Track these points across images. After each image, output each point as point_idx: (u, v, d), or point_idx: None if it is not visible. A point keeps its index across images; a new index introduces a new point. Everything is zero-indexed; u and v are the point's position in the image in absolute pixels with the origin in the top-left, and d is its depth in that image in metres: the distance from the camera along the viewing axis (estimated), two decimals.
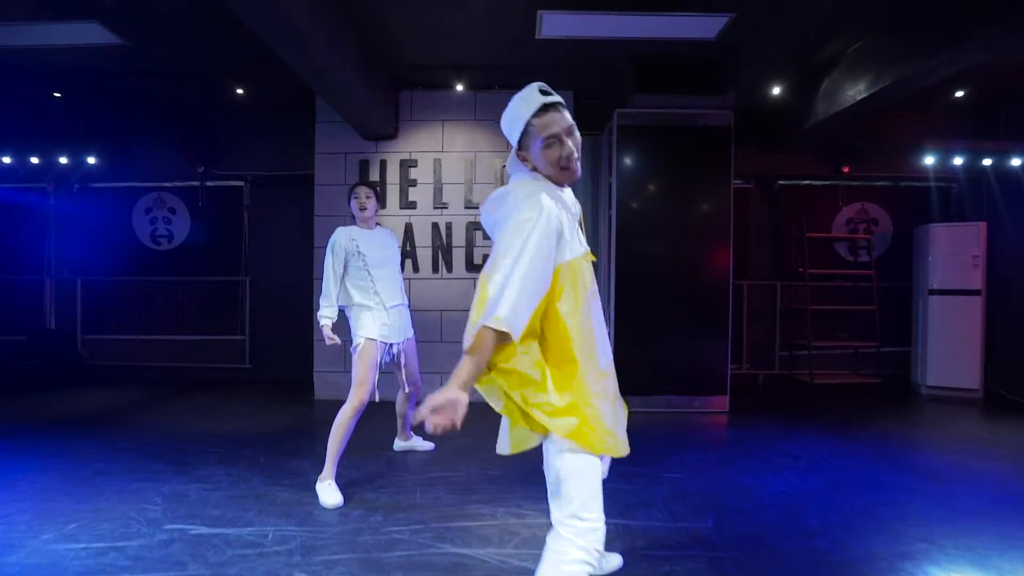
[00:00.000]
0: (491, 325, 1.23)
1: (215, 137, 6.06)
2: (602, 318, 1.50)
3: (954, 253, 5.41)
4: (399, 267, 3.26)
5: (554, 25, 4.05)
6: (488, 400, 1.44)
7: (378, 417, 3.93)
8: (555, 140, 1.41)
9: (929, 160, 5.67)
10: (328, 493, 2.74)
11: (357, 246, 3.03)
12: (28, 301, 6.24)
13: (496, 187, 5.16)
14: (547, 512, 1.46)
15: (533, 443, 1.43)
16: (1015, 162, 5.41)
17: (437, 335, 5.13)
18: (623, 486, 2.91)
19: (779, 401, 5.32)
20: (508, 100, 1.49)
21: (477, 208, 5.16)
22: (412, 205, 5.19)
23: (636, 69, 4.62)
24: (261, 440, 3.83)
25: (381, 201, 4.91)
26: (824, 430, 4.21)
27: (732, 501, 2.85)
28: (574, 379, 1.37)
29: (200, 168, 6.01)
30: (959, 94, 5.26)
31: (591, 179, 5.49)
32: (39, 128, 5.97)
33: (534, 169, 1.47)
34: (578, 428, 1.36)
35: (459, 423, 1.21)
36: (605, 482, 1.67)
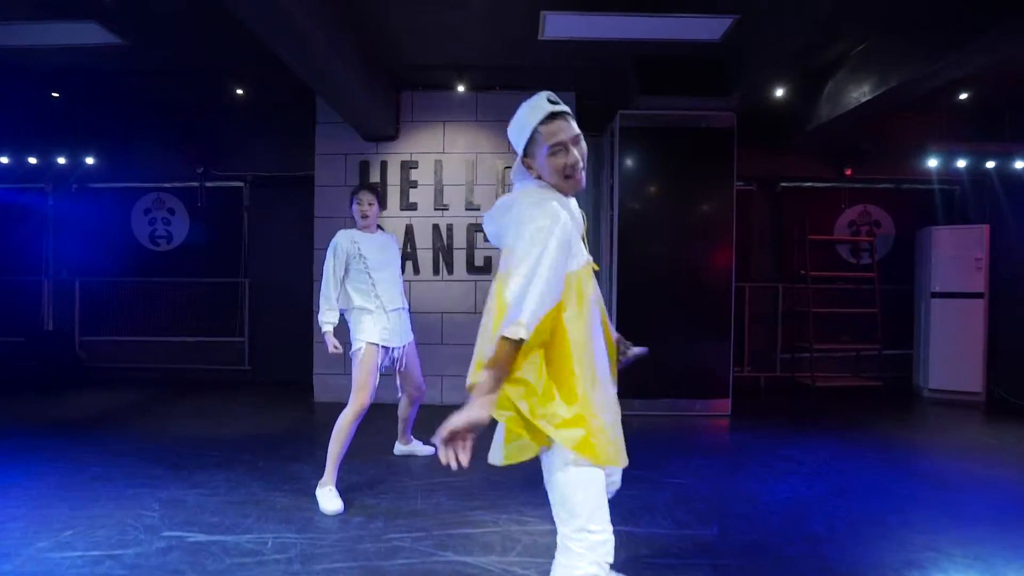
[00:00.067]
0: (512, 335, 1.23)
1: (215, 137, 6.03)
2: (601, 330, 1.48)
3: (957, 256, 5.38)
4: (400, 270, 3.23)
5: (557, 26, 4.02)
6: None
7: (378, 421, 3.90)
8: (561, 148, 1.40)
9: (932, 162, 5.65)
10: (328, 499, 2.71)
11: (359, 249, 3.01)
12: (26, 302, 6.20)
13: (497, 189, 5.14)
14: (549, 518, 1.44)
15: (529, 455, 1.40)
16: (1019, 165, 5.40)
17: (438, 337, 5.11)
18: (626, 492, 2.84)
19: (781, 404, 5.30)
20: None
21: (478, 210, 5.13)
22: (413, 206, 5.16)
23: (640, 70, 4.59)
24: (260, 444, 3.80)
25: (382, 203, 4.88)
26: (827, 434, 4.19)
27: (736, 507, 2.83)
28: (579, 390, 1.35)
29: (199, 169, 5.98)
30: (963, 96, 5.24)
31: (592, 180, 5.46)
32: (37, 128, 5.94)
33: (539, 177, 1.46)
34: (584, 439, 1.33)
35: (466, 460, 1.23)
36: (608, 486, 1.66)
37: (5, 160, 5.93)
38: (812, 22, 3.49)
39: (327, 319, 2.95)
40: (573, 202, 1.49)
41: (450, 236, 5.15)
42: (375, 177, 5.16)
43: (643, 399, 4.60)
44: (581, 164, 1.42)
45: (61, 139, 5.93)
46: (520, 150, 1.47)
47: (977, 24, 3.31)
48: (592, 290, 1.46)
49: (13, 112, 5.76)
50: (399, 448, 3.60)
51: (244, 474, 3.19)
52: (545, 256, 1.27)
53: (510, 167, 4.94)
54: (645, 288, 4.73)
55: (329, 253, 3.00)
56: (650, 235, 4.78)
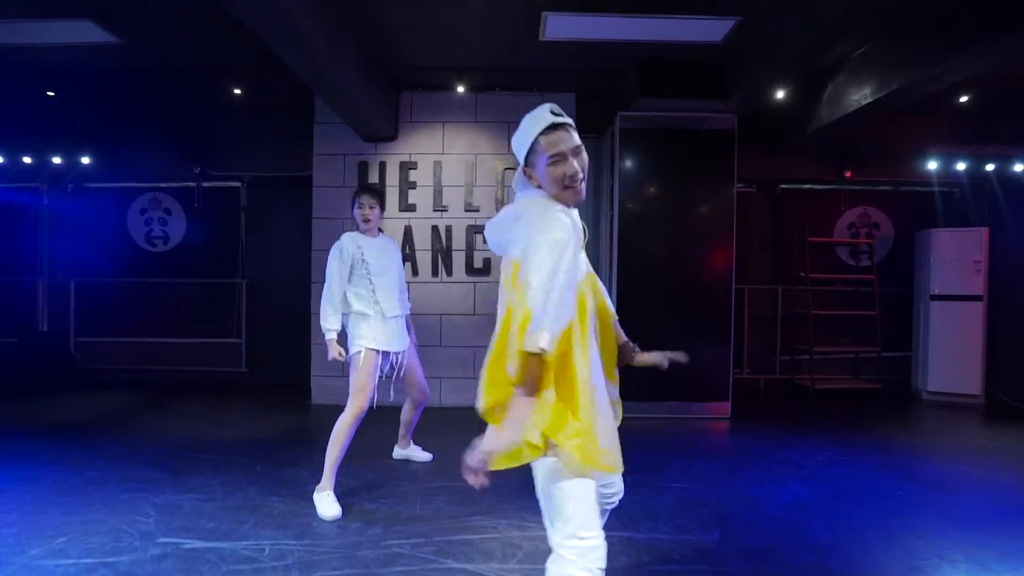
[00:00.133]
0: (534, 350, 1.23)
1: (212, 137, 5.99)
2: (596, 338, 1.50)
3: (956, 258, 5.39)
4: (401, 275, 3.16)
5: (558, 27, 4.00)
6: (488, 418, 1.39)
7: (377, 424, 3.86)
8: (561, 158, 1.41)
9: (932, 165, 5.65)
10: (326, 505, 2.68)
11: (362, 254, 2.95)
12: (20, 302, 6.15)
13: (496, 190, 5.11)
14: None
15: (521, 461, 1.39)
16: (1018, 167, 5.40)
17: (437, 339, 5.08)
18: (627, 497, 2.81)
19: (780, 406, 5.29)
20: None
21: (477, 211, 5.11)
22: (412, 208, 5.13)
23: (640, 72, 4.58)
24: (257, 447, 3.76)
25: (384, 206, 4.86)
26: (826, 437, 4.17)
27: (738, 512, 2.81)
28: (578, 398, 1.36)
29: (196, 169, 5.94)
30: (963, 99, 5.24)
31: (592, 181, 5.44)
32: (32, 127, 5.88)
33: (539, 187, 1.47)
34: (580, 446, 1.33)
35: (487, 482, 1.26)
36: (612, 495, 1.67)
37: (0, 159, 5.87)
38: (814, 25, 3.48)
39: (331, 325, 2.86)
40: (575, 213, 1.50)
41: (449, 237, 5.13)
42: (374, 178, 5.12)
43: (643, 402, 4.58)
44: (581, 175, 1.43)
45: (57, 138, 5.87)
46: (521, 159, 1.49)
47: (978, 28, 3.30)
48: (592, 301, 1.49)
49: (8, 111, 5.70)
50: (397, 452, 3.57)
51: (241, 478, 3.16)
52: (560, 268, 1.29)
53: (510, 168, 4.99)
54: (645, 290, 4.71)
55: (333, 256, 2.92)
56: (650, 237, 4.76)
